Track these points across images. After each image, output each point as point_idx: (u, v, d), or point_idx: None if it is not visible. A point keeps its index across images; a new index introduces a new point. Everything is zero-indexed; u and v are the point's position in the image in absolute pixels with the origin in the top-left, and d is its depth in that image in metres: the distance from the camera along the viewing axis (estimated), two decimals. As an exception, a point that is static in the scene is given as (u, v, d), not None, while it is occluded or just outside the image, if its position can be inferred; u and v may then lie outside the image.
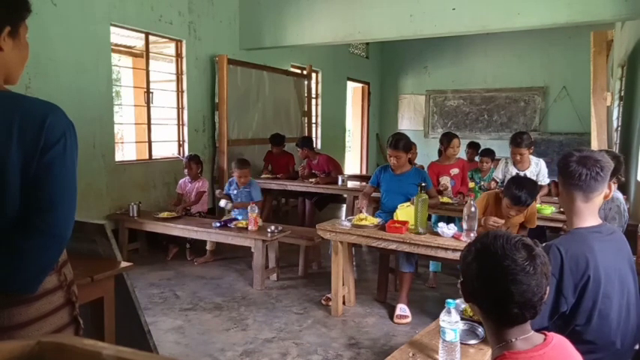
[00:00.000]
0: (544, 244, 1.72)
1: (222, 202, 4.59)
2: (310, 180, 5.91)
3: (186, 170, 5.03)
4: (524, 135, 4.19)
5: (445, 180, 4.60)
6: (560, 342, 1.21)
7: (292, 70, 7.93)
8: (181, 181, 5.13)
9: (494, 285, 1.14)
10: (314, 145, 6.66)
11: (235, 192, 4.72)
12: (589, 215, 1.72)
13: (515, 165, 4.23)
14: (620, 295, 1.69)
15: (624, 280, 1.71)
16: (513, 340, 1.17)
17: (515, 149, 4.15)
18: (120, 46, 5.61)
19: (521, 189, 3.04)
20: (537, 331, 1.23)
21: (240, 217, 4.45)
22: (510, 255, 1.13)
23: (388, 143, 3.78)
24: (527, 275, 1.11)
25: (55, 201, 1.19)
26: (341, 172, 6.23)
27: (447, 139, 4.62)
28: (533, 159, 4.28)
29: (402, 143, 3.71)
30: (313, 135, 8.46)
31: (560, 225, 3.70)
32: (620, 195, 3.02)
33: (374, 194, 4.20)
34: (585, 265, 1.61)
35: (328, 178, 5.92)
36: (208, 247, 4.70)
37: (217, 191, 4.95)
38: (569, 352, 1.22)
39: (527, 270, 1.12)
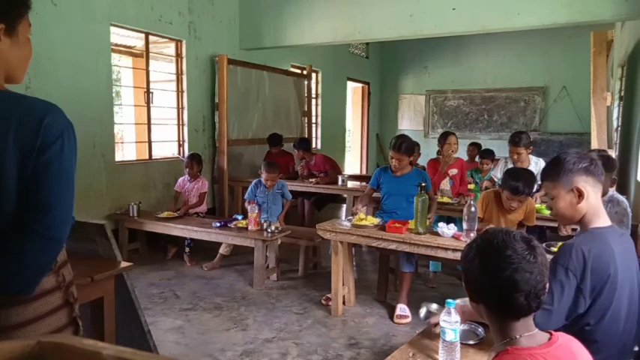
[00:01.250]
0: (564, 243, 1.71)
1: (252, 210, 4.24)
2: (310, 180, 5.91)
3: (187, 169, 5.03)
4: (523, 134, 4.21)
5: (444, 185, 4.63)
6: (566, 341, 1.21)
7: (292, 70, 7.92)
8: (180, 179, 5.12)
9: (498, 276, 1.16)
10: (312, 146, 6.64)
11: (265, 194, 4.59)
12: (603, 214, 1.71)
13: (514, 164, 4.24)
14: (630, 296, 1.68)
15: (633, 281, 1.71)
16: (518, 336, 1.18)
17: (512, 148, 4.16)
18: (120, 46, 5.61)
19: (519, 179, 3.09)
20: (545, 331, 1.24)
21: (271, 220, 4.36)
22: (511, 245, 1.16)
23: (391, 145, 3.76)
24: (529, 263, 1.15)
25: (52, 202, 1.17)
26: (339, 171, 6.23)
27: (443, 137, 4.64)
28: (533, 158, 4.28)
29: (405, 146, 3.70)
30: (313, 135, 8.46)
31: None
32: (622, 197, 3.04)
33: (374, 194, 4.19)
34: (607, 266, 1.59)
35: (328, 178, 5.92)
36: (222, 250, 4.54)
37: (246, 203, 4.68)
38: (574, 352, 1.21)
39: (528, 258, 1.15)
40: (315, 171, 6.17)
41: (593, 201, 1.68)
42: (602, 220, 1.70)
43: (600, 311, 1.61)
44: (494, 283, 1.17)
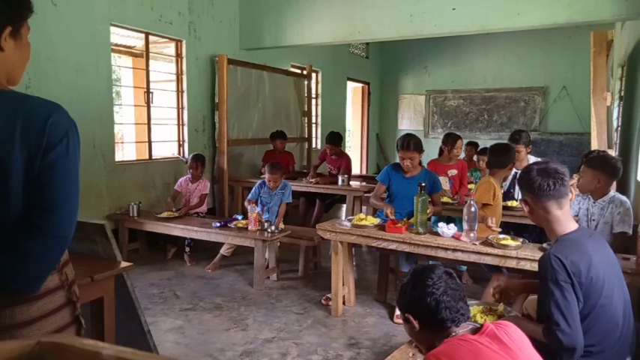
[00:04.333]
0: (541, 255, 1.73)
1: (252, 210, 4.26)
2: (310, 180, 5.89)
3: (190, 170, 5.01)
4: (522, 132, 4.28)
5: (443, 181, 4.60)
6: (496, 327, 1.37)
7: (292, 70, 7.92)
8: (182, 179, 5.11)
9: (424, 294, 1.48)
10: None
11: (268, 195, 4.61)
12: (567, 220, 1.78)
13: None
14: (620, 292, 1.69)
15: (620, 277, 1.72)
16: (454, 334, 1.44)
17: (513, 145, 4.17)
18: (120, 46, 5.60)
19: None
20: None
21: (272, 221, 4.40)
22: (430, 273, 1.52)
23: (399, 146, 3.67)
24: (445, 283, 1.49)
25: (58, 201, 1.19)
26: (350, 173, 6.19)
27: (451, 141, 4.62)
28: (532, 158, 4.32)
29: (414, 143, 3.61)
30: (313, 135, 8.45)
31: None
32: (624, 197, 3.04)
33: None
34: (586, 267, 1.61)
35: (328, 179, 5.91)
36: (223, 251, 4.51)
37: (246, 203, 4.66)
38: (509, 335, 1.36)
39: (444, 279, 1.50)
40: (333, 166, 6.12)
41: (555, 212, 1.76)
42: (569, 226, 1.76)
43: (588, 311, 1.62)
44: (424, 302, 1.48)
